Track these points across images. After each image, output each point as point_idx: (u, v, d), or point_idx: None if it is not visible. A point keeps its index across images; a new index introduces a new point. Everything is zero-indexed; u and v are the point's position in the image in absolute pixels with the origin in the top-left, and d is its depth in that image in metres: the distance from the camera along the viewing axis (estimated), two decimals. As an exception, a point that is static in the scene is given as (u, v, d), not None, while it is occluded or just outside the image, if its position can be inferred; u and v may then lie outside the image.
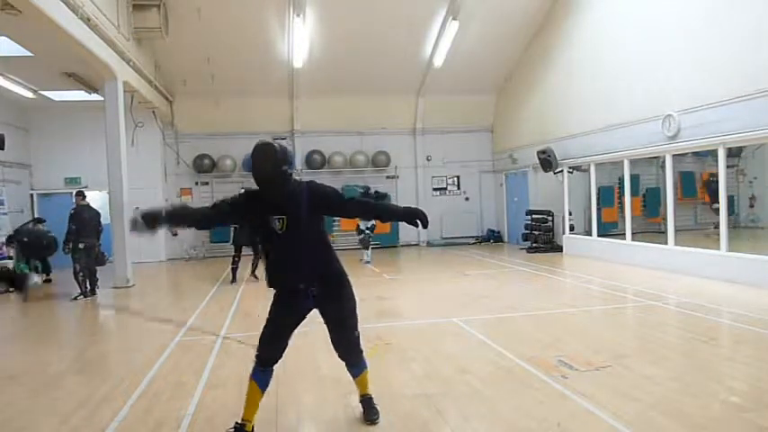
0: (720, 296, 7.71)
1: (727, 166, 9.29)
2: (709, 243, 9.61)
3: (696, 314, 6.63)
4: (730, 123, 8.55)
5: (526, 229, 14.90)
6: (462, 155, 17.23)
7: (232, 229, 11.02)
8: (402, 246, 16.71)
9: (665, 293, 8.02)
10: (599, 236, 12.57)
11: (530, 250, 14.21)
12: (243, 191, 3.86)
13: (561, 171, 13.47)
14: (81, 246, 9.44)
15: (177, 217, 3.69)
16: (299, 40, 13.40)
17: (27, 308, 9.34)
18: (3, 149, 10.98)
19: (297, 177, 3.64)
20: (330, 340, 3.73)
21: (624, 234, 11.68)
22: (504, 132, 17.03)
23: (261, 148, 3.59)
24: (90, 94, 13.22)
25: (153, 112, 14.67)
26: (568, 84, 13.17)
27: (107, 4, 9.83)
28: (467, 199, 17.53)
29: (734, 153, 13.12)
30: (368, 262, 12.90)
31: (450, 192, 17.37)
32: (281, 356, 3.61)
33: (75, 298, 9.34)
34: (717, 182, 13.29)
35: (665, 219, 11.23)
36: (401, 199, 16.95)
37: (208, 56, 13.79)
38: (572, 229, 13.58)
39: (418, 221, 3.50)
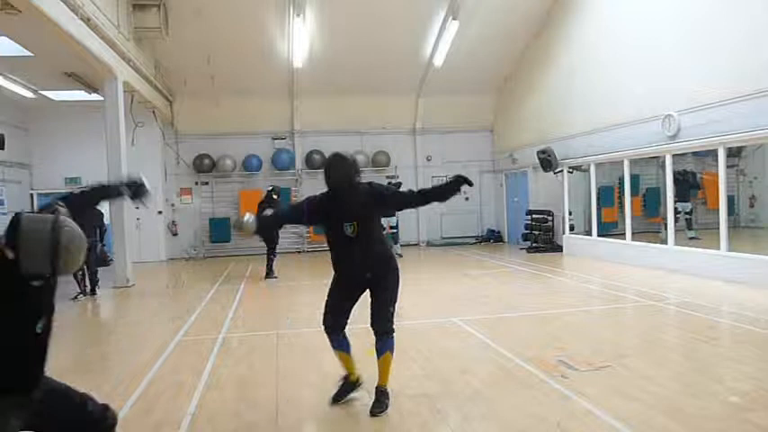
0: (720, 296, 7.71)
1: (728, 166, 9.28)
2: (710, 243, 9.60)
3: (696, 314, 6.62)
4: (730, 123, 8.54)
5: (526, 229, 14.90)
6: (462, 155, 17.18)
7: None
8: (402, 246, 16.69)
9: (665, 293, 8.02)
10: (599, 236, 12.57)
11: (530, 250, 14.21)
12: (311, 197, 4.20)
13: (561, 171, 13.46)
14: None
15: (271, 222, 4.31)
16: (299, 40, 13.40)
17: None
18: (3, 149, 10.97)
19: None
20: (370, 311, 4.12)
21: (624, 234, 11.67)
22: (504, 132, 17.03)
23: (336, 160, 4.00)
24: (90, 94, 13.23)
25: (153, 112, 14.67)
26: (568, 84, 13.16)
27: (107, 4, 9.83)
28: (467, 199, 17.48)
29: (734, 153, 13.09)
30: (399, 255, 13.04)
31: (449, 192, 17.34)
32: (346, 325, 4.14)
33: (76, 297, 9.35)
34: (682, 179, 13.01)
35: (665, 218, 11.22)
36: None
37: (208, 56, 13.78)
38: (572, 228, 13.57)
39: (466, 184, 3.85)
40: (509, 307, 7.56)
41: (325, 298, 4.17)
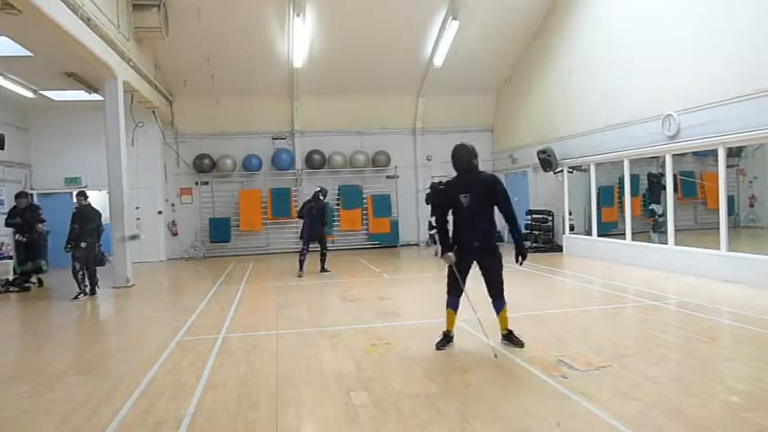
0: (720, 296, 7.71)
1: (728, 166, 9.28)
2: (710, 243, 9.59)
3: (696, 314, 6.63)
4: (730, 123, 8.55)
5: (526, 228, 14.88)
6: (462, 155, 17.17)
7: (302, 223, 11.78)
8: (402, 246, 16.71)
9: (665, 293, 8.02)
10: (599, 236, 12.57)
11: (529, 250, 14.17)
12: (438, 184, 5.51)
13: (561, 171, 13.46)
14: (83, 245, 9.49)
15: (444, 226, 5.45)
16: (299, 40, 13.40)
17: (27, 308, 9.34)
18: (3, 149, 10.97)
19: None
20: (485, 284, 5.42)
21: (624, 234, 11.68)
22: (504, 132, 17.03)
23: (461, 147, 5.29)
24: (90, 93, 13.22)
25: (153, 111, 14.66)
26: (568, 84, 13.16)
27: (107, 4, 9.82)
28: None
29: (734, 153, 13.09)
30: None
31: (450, 192, 17.32)
32: (463, 290, 5.39)
33: (76, 297, 9.35)
34: (656, 181, 12.96)
35: (664, 216, 11.20)
36: (401, 198, 16.97)
37: (208, 56, 13.79)
38: (572, 228, 13.57)
39: (520, 257, 5.32)
40: (509, 307, 7.53)
41: (447, 274, 5.46)
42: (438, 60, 14.68)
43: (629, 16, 10.95)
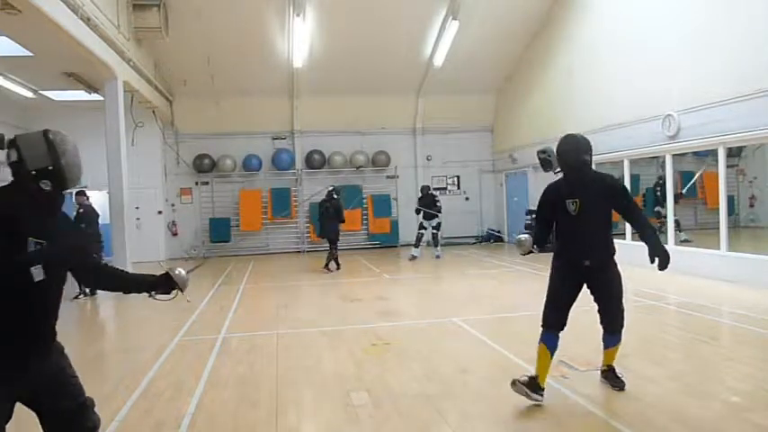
0: (720, 296, 7.71)
1: (728, 166, 9.28)
2: (710, 243, 9.59)
3: (696, 314, 6.63)
4: (730, 123, 8.54)
5: (526, 229, 14.88)
6: (462, 155, 17.21)
7: (318, 223, 12.16)
8: (402, 246, 16.70)
9: (665, 293, 8.02)
10: (599, 236, 12.53)
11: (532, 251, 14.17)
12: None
13: (561, 171, 13.44)
14: None
15: (544, 235, 4.47)
16: (299, 40, 13.40)
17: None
18: (3, 149, 10.98)
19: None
20: (597, 311, 4.20)
21: (624, 234, 11.66)
22: (504, 132, 17.02)
23: (567, 141, 4.45)
24: (90, 94, 13.22)
25: (153, 112, 14.65)
26: (568, 84, 13.16)
27: (107, 4, 9.82)
28: (467, 199, 17.53)
29: (734, 153, 13.09)
30: (438, 256, 13.62)
31: (450, 192, 17.36)
32: (566, 324, 4.06)
33: (76, 297, 9.35)
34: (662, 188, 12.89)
35: (664, 218, 11.20)
36: (401, 197, 16.96)
37: (208, 56, 13.79)
38: (572, 228, 13.54)
39: (657, 259, 4.13)
40: (509, 307, 7.55)
41: (546, 296, 4.18)
42: (438, 60, 14.68)
43: (629, 16, 10.94)
